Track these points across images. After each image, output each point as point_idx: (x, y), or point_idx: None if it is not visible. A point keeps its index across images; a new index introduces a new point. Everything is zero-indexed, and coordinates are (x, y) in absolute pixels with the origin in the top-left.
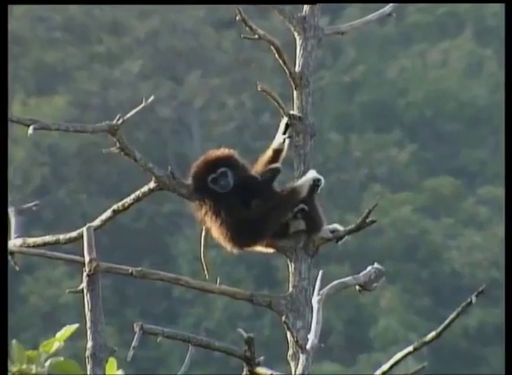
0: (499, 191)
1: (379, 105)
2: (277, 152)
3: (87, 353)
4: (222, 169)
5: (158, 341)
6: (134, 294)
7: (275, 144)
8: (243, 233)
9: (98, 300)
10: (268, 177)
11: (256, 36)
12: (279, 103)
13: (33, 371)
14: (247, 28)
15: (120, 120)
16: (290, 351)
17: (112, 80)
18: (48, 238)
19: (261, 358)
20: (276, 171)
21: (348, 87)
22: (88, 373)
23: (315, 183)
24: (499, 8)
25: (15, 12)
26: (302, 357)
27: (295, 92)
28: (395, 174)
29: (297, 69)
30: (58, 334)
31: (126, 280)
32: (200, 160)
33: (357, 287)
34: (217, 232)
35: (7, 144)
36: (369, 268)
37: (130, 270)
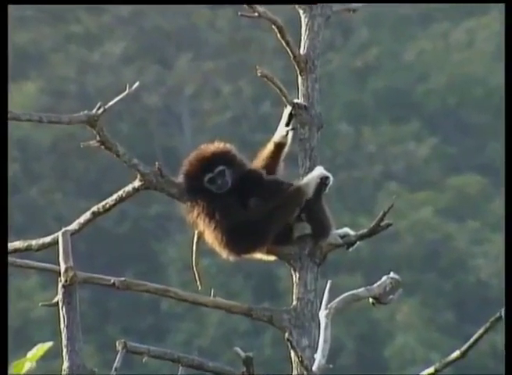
0: None
1: (395, 93)
2: (279, 146)
3: None
4: (220, 168)
5: (143, 361)
6: (117, 308)
7: (276, 137)
8: (240, 237)
9: (76, 314)
10: (272, 179)
11: (255, 14)
12: (281, 90)
13: None
14: (245, 5)
15: (101, 110)
16: (294, 373)
17: (91, 64)
18: (18, 244)
19: None
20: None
21: (360, 72)
22: None
23: (323, 181)
24: None
25: None
26: None
27: (300, 78)
28: (413, 171)
29: (302, 51)
30: (30, 353)
31: (107, 291)
32: (193, 156)
33: (371, 300)
34: (211, 237)
35: (7, 144)
36: (384, 278)
37: (112, 281)
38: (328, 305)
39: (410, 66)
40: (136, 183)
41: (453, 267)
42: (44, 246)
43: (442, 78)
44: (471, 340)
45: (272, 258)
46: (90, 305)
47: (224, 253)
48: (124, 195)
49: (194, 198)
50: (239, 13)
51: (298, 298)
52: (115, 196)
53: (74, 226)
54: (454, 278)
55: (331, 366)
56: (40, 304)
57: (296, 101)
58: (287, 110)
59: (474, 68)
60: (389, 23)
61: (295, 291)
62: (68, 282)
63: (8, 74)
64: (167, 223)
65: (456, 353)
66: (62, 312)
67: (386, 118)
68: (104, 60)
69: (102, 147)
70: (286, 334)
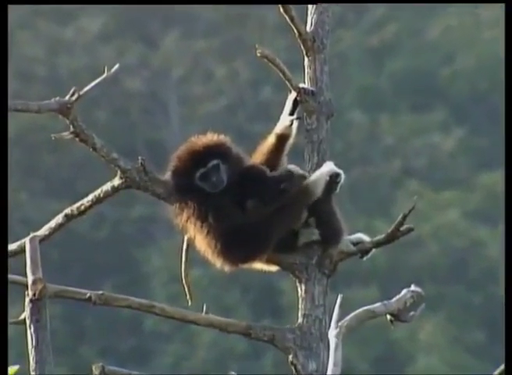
0: None
1: (417, 76)
2: (282, 139)
3: None
4: (214, 162)
5: None
6: (93, 327)
7: (279, 127)
8: (237, 244)
9: (45, 333)
10: (276, 178)
11: None
12: (284, 73)
13: None
14: None
15: (75, 96)
16: None
17: (64, 43)
18: None
19: None
20: (290, 175)
21: (376, 52)
22: None
23: (333, 179)
24: None
25: None
26: None
27: (306, 59)
28: (438, 167)
29: (309, 28)
30: None
31: (82, 307)
32: (182, 150)
33: (389, 317)
34: (203, 243)
35: (7, 144)
36: (404, 292)
37: (88, 294)
38: (339, 323)
39: (434, 45)
40: (116, 182)
41: (484, 278)
42: (9, 254)
43: (470, 59)
44: (505, 363)
45: (273, 268)
46: (63, 323)
47: (218, 262)
48: (102, 195)
49: (184, 198)
50: None
51: (304, 315)
52: (91, 196)
53: (44, 231)
54: (485, 291)
55: None
56: None
57: (301, 85)
58: (291, 96)
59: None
60: None
61: (300, 306)
62: (36, 296)
63: (7, 74)
64: (151, 227)
65: None
66: (30, 331)
67: (406, 105)
68: (78, 38)
69: (76, 139)
70: (290, 357)
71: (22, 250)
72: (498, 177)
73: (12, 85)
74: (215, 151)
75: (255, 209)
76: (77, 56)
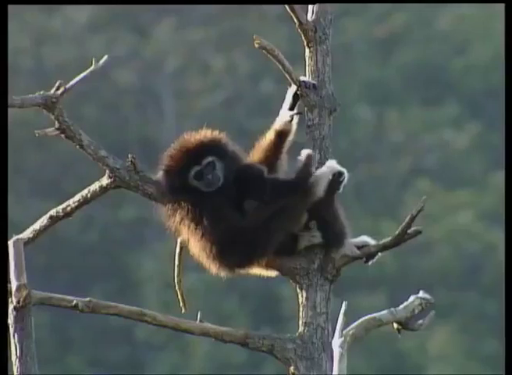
0: None
1: (427, 69)
2: (282, 135)
3: None
4: (209, 159)
5: None
6: (81, 336)
7: (279, 123)
8: (234, 248)
9: (30, 343)
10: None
11: None
12: (284, 65)
13: None
14: None
15: (61, 90)
16: None
17: (50, 33)
18: None
19: None
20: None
21: (383, 43)
22: None
23: (336, 178)
24: None
25: None
26: None
27: (307, 50)
28: (450, 166)
29: (310, 17)
30: None
31: (69, 315)
32: (176, 147)
33: (396, 326)
34: (198, 247)
35: (7, 144)
36: (412, 298)
37: (75, 302)
38: (344, 332)
39: (445, 35)
40: (105, 181)
41: (498, 285)
42: None
43: (484, 50)
44: None
45: (273, 273)
46: (49, 332)
47: (214, 267)
48: (89, 196)
49: (177, 198)
50: None
51: (305, 323)
52: (78, 197)
53: (28, 233)
54: (499, 298)
55: None
56: None
57: (302, 78)
58: (291, 90)
59: None
60: None
61: (302, 314)
62: (21, 303)
63: (7, 74)
64: (143, 230)
65: None
66: (14, 340)
67: (416, 100)
68: (65, 28)
69: (62, 136)
70: (291, 368)
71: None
72: None
73: None
74: (211, 148)
75: (253, 211)
76: (64, 47)
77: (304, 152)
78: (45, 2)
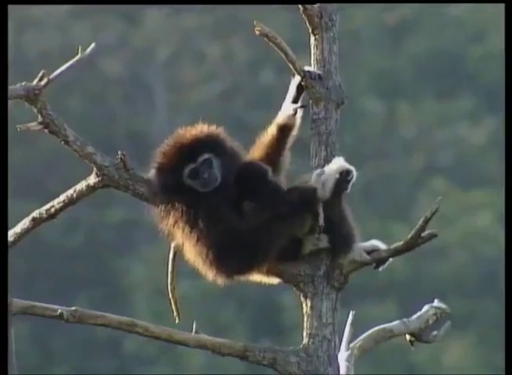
0: None
1: (441, 58)
2: (285, 130)
3: None
4: (205, 156)
5: None
6: (65, 348)
7: (281, 117)
8: (232, 253)
9: (10, 355)
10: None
11: None
12: (287, 54)
13: None
14: None
15: (44, 80)
16: None
17: (31, 20)
18: None
19: None
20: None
21: (394, 30)
22: None
23: (343, 177)
24: None
25: None
26: None
27: (312, 38)
28: (466, 163)
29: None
30: None
31: (53, 325)
32: (169, 143)
33: (408, 337)
34: (193, 252)
35: (7, 144)
36: (426, 308)
37: (60, 311)
38: (351, 344)
39: (460, 22)
40: (92, 180)
41: None
42: None
43: (502, 38)
44: None
45: (274, 280)
46: (31, 343)
47: (210, 274)
48: (75, 196)
49: (170, 198)
50: None
51: (310, 335)
52: (62, 197)
53: (8, 237)
54: None
55: None
56: None
57: (307, 68)
58: (295, 81)
59: None
60: None
61: (306, 324)
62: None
63: (7, 73)
64: (133, 233)
65: None
66: None
67: (429, 92)
68: (47, 15)
69: (46, 130)
70: None
71: None
72: None
73: None
74: (207, 144)
75: (253, 212)
76: (47, 35)
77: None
78: (45, 2)
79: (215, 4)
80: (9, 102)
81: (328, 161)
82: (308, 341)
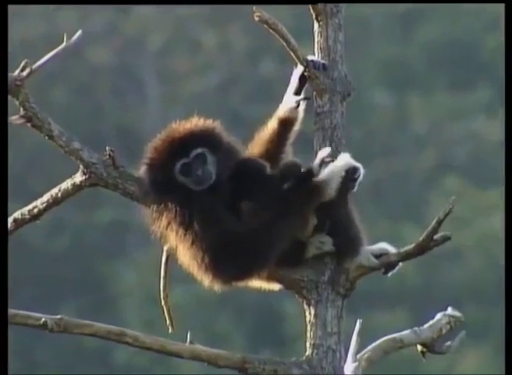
0: None
1: (455, 47)
2: (286, 124)
3: None
4: (199, 151)
5: None
6: (50, 359)
7: (282, 110)
8: (230, 257)
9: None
10: (280, 174)
11: None
12: (289, 42)
13: None
14: None
15: (26, 70)
16: None
17: (14, 8)
18: None
19: None
20: (295, 168)
21: (404, 17)
22: None
23: (349, 175)
24: None
25: None
26: None
27: (316, 24)
28: (482, 160)
29: None
30: None
31: (37, 335)
32: (161, 138)
33: (420, 348)
34: (187, 256)
35: (7, 144)
36: (439, 316)
37: (43, 320)
38: (358, 355)
39: (475, 9)
40: (79, 178)
41: None
42: None
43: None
44: None
45: (275, 286)
46: (13, 354)
47: (206, 279)
48: (60, 195)
49: (163, 198)
50: None
51: (314, 345)
52: (46, 196)
53: None
54: None
55: None
56: None
57: (310, 57)
58: (298, 71)
59: None
60: None
61: (309, 334)
62: None
63: (8, 73)
64: (122, 235)
65: None
66: None
67: (443, 83)
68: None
69: (28, 125)
70: None
71: None
72: None
73: None
74: (201, 138)
75: (252, 213)
76: (30, 22)
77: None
78: (45, 2)
79: (214, 4)
80: None
81: (333, 158)
82: (312, 352)
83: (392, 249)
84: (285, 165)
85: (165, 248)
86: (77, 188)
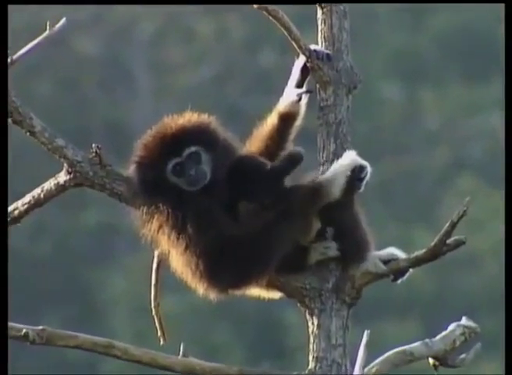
0: None
1: (468, 37)
2: (287, 119)
3: None
4: (192, 149)
5: None
6: (32, 372)
7: (283, 104)
8: (226, 263)
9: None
10: (279, 169)
11: None
12: (290, 31)
13: None
14: None
15: (7, 60)
16: None
17: None
18: None
19: None
20: (296, 160)
21: (414, 5)
22: None
23: (356, 174)
24: None
25: None
26: None
27: (319, 11)
28: (497, 158)
29: None
30: None
31: (18, 347)
32: (151, 134)
33: (432, 361)
34: (181, 262)
35: (7, 144)
36: (453, 327)
37: (25, 331)
38: (366, 369)
39: None
40: (63, 178)
41: None
42: None
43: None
44: None
45: (276, 295)
46: None
47: (201, 287)
48: (43, 196)
49: (154, 199)
50: None
51: (317, 358)
52: (28, 197)
53: None
54: None
55: None
56: None
57: (313, 47)
58: (299, 62)
59: None
60: None
61: (312, 346)
62: None
63: (8, 74)
64: (110, 239)
65: None
66: None
67: (456, 75)
68: None
69: (9, 120)
70: None
71: None
72: None
73: None
74: (194, 135)
75: (250, 215)
76: (12, 10)
77: (292, 151)
78: (45, 2)
79: (214, 4)
80: None
81: (338, 155)
82: (315, 366)
83: (401, 254)
84: (286, 156)
85: (157, 253)
86: (61, 188)
